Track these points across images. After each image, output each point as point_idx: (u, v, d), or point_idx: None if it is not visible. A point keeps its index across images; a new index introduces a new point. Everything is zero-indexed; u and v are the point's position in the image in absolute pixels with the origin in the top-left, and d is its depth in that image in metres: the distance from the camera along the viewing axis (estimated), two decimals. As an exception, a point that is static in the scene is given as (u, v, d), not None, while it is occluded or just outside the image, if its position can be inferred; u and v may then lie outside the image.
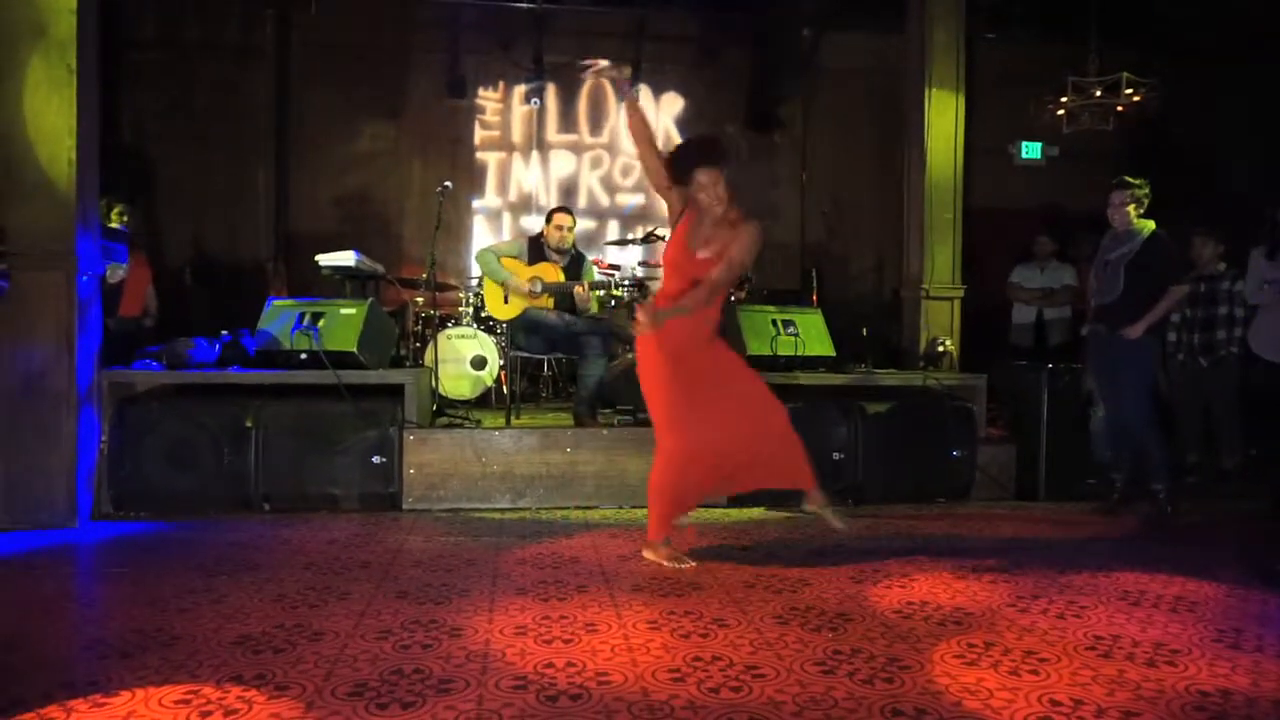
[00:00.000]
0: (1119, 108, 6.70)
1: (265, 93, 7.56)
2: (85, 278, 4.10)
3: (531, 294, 5.04)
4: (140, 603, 2.91)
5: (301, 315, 4.57)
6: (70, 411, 4.02)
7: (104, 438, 4.24)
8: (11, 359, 3.95)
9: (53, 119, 3.98)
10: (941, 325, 5.82)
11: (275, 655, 2.45)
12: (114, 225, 5.23)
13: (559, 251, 5.14)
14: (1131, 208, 4.35)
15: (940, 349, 5.54)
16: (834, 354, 5.08)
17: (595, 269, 5.63)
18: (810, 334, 5.02)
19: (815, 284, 7.07)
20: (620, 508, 4.56)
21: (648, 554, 3.50)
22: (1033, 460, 4.98)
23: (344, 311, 4.59)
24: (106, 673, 2.32)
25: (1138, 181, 4.36)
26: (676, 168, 3.27)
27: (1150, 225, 4.36)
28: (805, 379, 4.95)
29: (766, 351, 4.85)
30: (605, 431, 4.70)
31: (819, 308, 5.53)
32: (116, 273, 4.96)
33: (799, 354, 4.93)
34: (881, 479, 4.77)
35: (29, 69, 3.96)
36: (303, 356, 4.47)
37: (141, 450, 4.23)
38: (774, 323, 4.96)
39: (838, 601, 3.02)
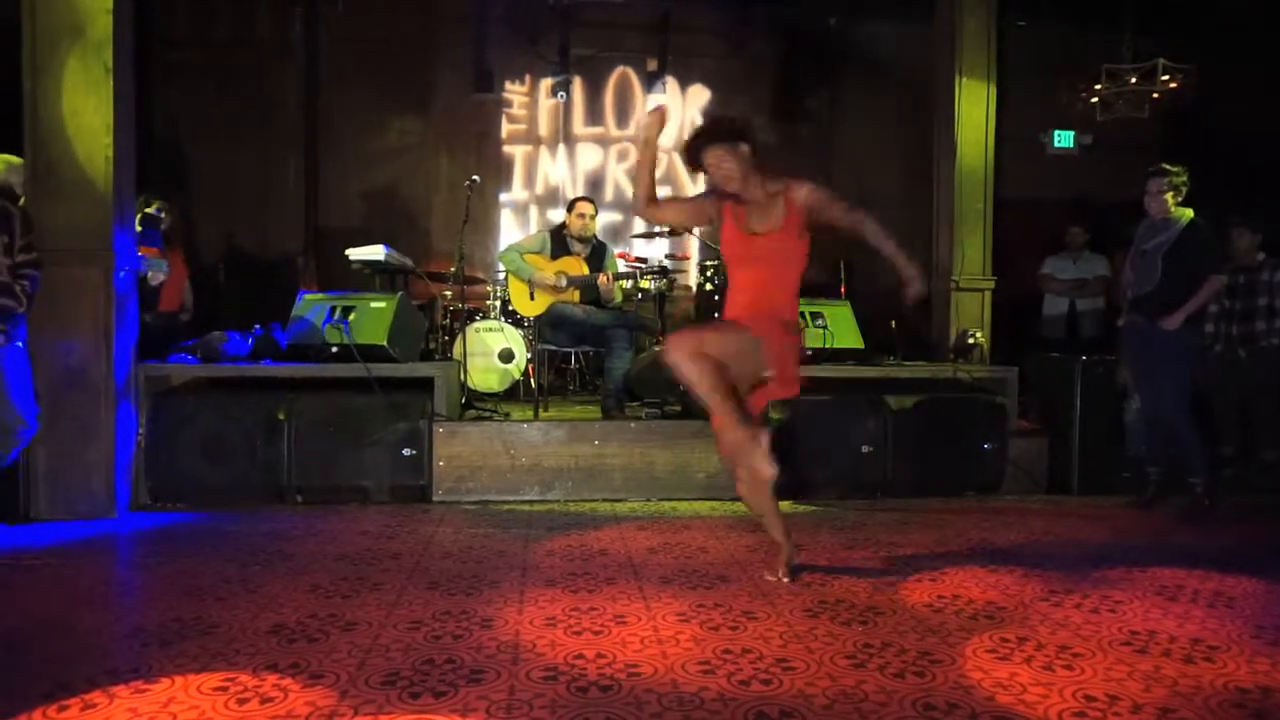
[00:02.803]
0: (1155, 95, 6.57)
1: (294, 89, 7.63)
2: (123, 273, 4.17)
3: (557, 289, 5.06)
4: (178, 592, 2.96)
5: (332, 309, 4.61)
6: (109, 404, 4.10)
7: (141, 430, 4.32)
8: (52, 353, 4.03)
9: (90, 117, 4.05)
10: (972, 317, 5.76)
11: (310, 644, 2.49)
12: (150, 211, 5.29)
13: (581, 240, 5.15)
14: (1169, 196, 4.27)
15: (970, 341, 5.48)
16: (863, 346, 5.04)
17: (619, 260, 5.64)
18: (839, 326, 4.99)
19: (844, 276, 7.02)
20: (648, 500, 4.56)
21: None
22: (1065, 453, 4.92)
23: (374, 305, 4.63)
24: (147, 660, 2.37)
25: (1175, 169, 4.28)
26: (689, 157, 3.11)
27: (1188, 214, 4.28)
28: (834, 372, 4.93)
29: (794, 344, 4.82)
30: (633, 424, 4.70)
31: (847, 300, 5.49)
32: (158, 276, 5.04)
33: (828, 346, 4.90)
34: (911, 472, 4.74)
35: (67, 69, 4.03)
36: (334, 350, 4.52)
37: (177, 442, 4.31)
38: (802, 315, 4.93)
39: (868, 595, 3.00)
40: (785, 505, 4.46)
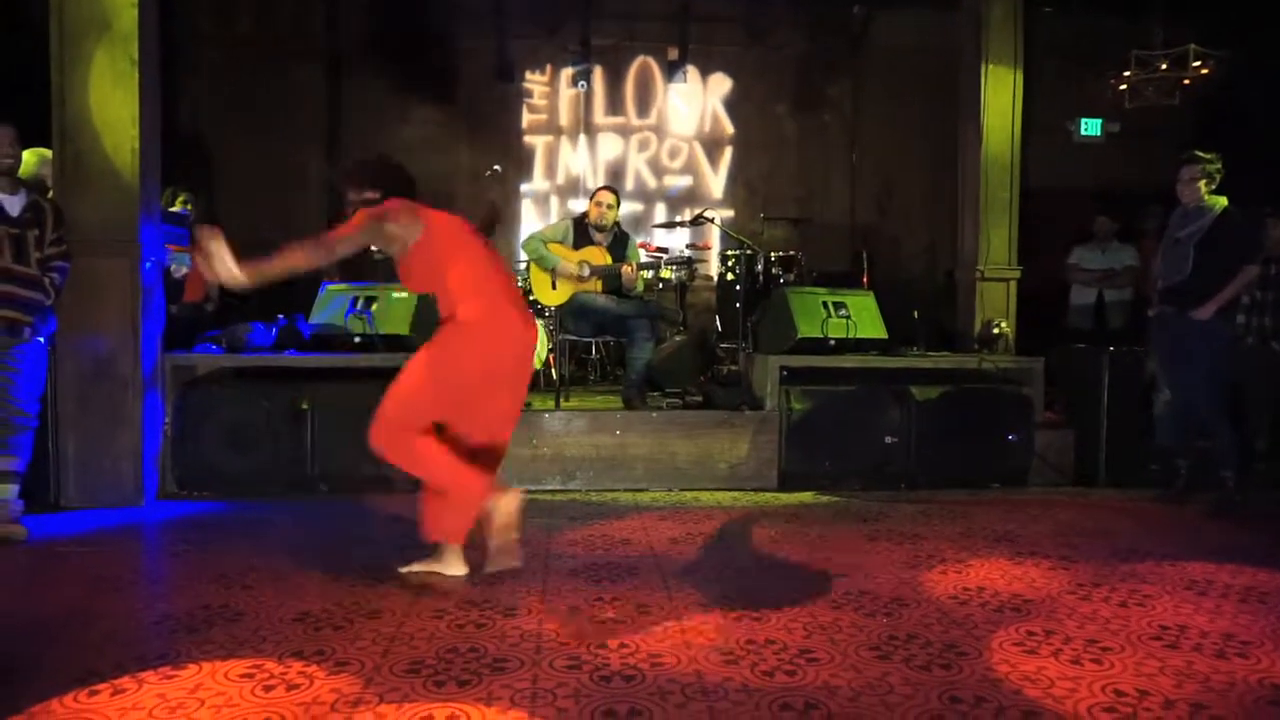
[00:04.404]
0: (1185, 81, 6.44)
1: (317, 81, 7.65)
2: (149, 264, 4.21)
3: (580, 278, 5.05)
4: (205, 580, 2.99)
5: (355, 299, 4.63)
6: (136, 394, 4.14)
7: (167, 419, 4.36)
8: (80, 344, 4.08)
9: (117, 110, 4.08)
10: (997, 307, 5.69)
11: (335, 632, 2.51)
12: (175, 209, 5.34)
13: (600, 229, 5.13)
14: (1202, 183, 4.19)
15: (995, 331, 5.42)
16: (886, 336, 5.00)
17: (641, 250, 5.62)
18: (862, 316, 4.95)
19: (866, 266, 6.96)
20: (670, 490, 4.55)
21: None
22: (1093, 445, 4.86)
23: (396, 295, 4.65)
24: (175, 647, 2.39)
25: (1209, 156, 4.20)
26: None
27: (1222, 202, 4.20)
28: (857, 362, 4.89)
29: (817, 334, 4.79)
30: (654, 414, 4.69)
31: (871, 290, 5.44)
32: (180, 269, 5.08)
33: (851, 336, 4.86)
34: (935, 464, 4.70)
35: (94, 62, 4.06)
36: (357, 340, 4.54)
37: (203, 432, 4.35)
38: (825, 305, 4.89)
39: (892, 587, 2.98)
40: (807, 496, 4.46)
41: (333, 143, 7.71)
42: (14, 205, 3.51)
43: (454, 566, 3.06)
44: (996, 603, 2.83)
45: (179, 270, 5.08)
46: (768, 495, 4.50)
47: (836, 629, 2.56)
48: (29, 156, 3.94)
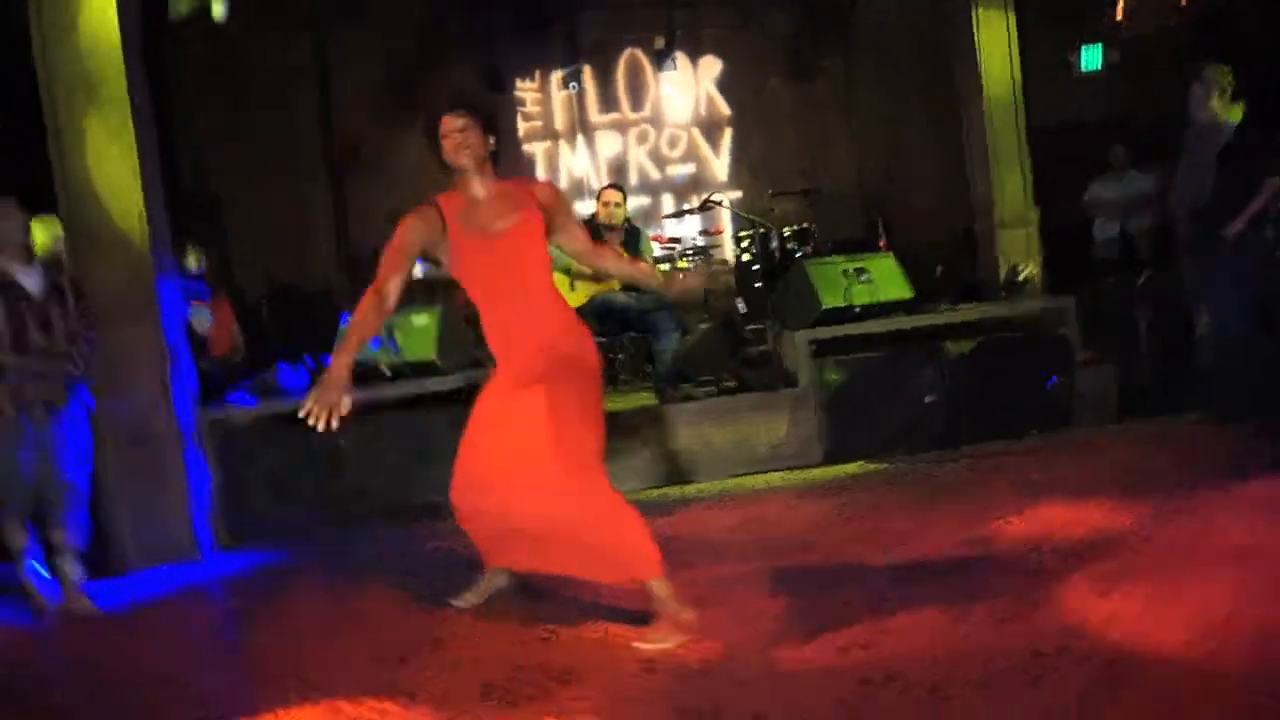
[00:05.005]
0: (1182, 1, 6.31)
1: (313, 120, 7.66)
2: (172, 324, 4.24)
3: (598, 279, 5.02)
4: (269, 628, 3.00)
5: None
6: (177, 453, 4.17)
7: (212, 473, 4.39)
8: (116, 411, 4.10)
9: (116, 169, 4.06)
10: (1019, 252, 5.59)
11: (402, 664, 2.49)
12: (191, 267, 5.38)
13: (610, 228, 5.11)
14: (1214, 98, 4.08)
15: (1021, 276, 5.32)
16: (911, 295, 4.91)
17: (654, 244, 5.59)
18: (885, 278, 4.85)
19: (883, 230, 6.86)
20: (715, 479, 4.51)
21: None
22: (1134, 379, 4.76)
23: (418, 321, 4.64)
24: (248, 699, 2.38)
25: (1219, 69, 4.08)
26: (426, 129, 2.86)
27: (1237, 114, 4.09)
28: (885, 325, 4.81)
29: (841, 303, 4.71)
30: (689, 405, 4.66)
31: (889, 252, 5.36)
32: (203, 325, 5.12)
33: (875, 301, 4.78)
34: (976, 416, 4.62)
35: (87, 123, 4.05)
36: (386, 372, 4.54)
37: (247, 481, 4.38)
38: (845, 272, 4.80)
39: (955, 546, 2.93)
40: (854, 467, 4.40)
41: (335, 177, 7.73)
42: (34, 282, 3.54)
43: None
44: (1063, 549, 2.76)
45: (201, 325, 5.13)
46: (814, 471, 4.45)
47: (906, 596, 2.51)
48: (40, 234, 3.96)
